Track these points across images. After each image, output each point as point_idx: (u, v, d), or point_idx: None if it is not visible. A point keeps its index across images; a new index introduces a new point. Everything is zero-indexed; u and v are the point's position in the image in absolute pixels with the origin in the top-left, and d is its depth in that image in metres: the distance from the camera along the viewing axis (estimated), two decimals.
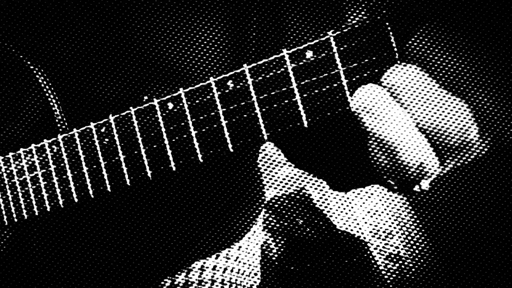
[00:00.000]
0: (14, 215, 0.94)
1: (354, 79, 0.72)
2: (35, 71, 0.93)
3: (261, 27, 0.87)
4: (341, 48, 0.71)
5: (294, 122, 0.74)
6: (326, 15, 0.78)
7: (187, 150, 0.80)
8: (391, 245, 1.26)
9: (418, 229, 1.24)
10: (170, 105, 0.80)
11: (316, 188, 1.30)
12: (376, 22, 0.68)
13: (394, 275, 1.25)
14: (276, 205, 1.29)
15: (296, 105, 0.74)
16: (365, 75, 0.71)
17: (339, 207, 1.27)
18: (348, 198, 1.25)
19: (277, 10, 0.86)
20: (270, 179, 1.15)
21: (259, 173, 1.09)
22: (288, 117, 0.74)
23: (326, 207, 1.28)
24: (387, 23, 0.68)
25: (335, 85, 0.72)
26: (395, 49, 0.69)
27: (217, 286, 1.03)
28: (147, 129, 0.82)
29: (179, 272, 0.99)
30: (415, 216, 1.25)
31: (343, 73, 0.72)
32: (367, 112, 0.71)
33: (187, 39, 0.91)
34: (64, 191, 0.89)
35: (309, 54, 0.73)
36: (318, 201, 1.28)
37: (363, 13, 0.73)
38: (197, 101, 0.79)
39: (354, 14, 0.73)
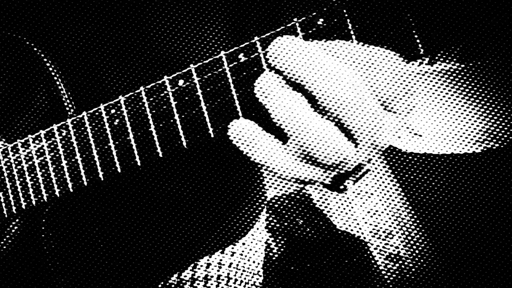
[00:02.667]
0: (23, 202, 0.93)
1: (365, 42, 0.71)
2: (42, 56, 0.92)
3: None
4: (353, 15, 0.71)
5: None
6: None
7: (198, 125, 0.80)
8: (391, 245, 1.26)
9: (418, 229, 1.25)
10: (181, 82, 0.80)
11: (316, 188, 1.30)
12: None
13: (394, 275, 1.25)
14: (276, 205, 1.29)
15: None
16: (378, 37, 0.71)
17: (339, 207, 1.27)
18: (348, 198, 1.25)
19: None
20: (271, 179, 1.15)
21: (259, 172, 1.09)
22: None
23: (326, 207, 1.28)
24: None
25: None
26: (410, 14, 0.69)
27: (222, 281, 1.03)
28: (158, 107, 0.82)
29: (185, 268, 0.99)
30: (415, 216, 1.25)
31: (355, 38, 0.71)
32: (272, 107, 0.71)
33: (194, 15, 0.91)
34: (73, 175, 0.88)
35: (320, 22, 0.72)
36: (318, 201, 1.28)
37: None
38: (208, 76, 0.78)
39: None
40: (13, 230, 0.96)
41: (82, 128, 0.88)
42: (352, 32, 0.71)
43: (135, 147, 0.83)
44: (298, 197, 1.29)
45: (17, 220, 0.96)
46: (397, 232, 1.26)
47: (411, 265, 1.24)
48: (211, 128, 0.79)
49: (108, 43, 0.94)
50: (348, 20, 0.71)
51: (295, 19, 0.74)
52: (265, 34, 0.75)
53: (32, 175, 0.93)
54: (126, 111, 0.84)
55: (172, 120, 0.81)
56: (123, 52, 0.93)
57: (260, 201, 1.09)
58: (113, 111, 0.85)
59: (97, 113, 0.86)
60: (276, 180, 1.17)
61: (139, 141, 0.83)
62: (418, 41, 0.71)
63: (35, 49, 0.93)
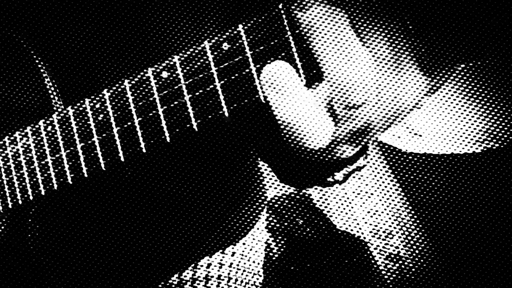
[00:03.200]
0: (9, 201, 0.93)
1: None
2: (28, 50, 0.92)
3: None
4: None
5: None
6: None
7: (182, 118, 0.78)
8: (391, 245, 1.26)
9: (418, 229, 1.25)
10: (165, 74, 0.78)
11: (316, 188, 1.30)
12: None
13: (394, 275, 1.25)
14: (276, 205, 1.29)
15: (295, 62, 0.72)
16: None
17: (339, 207, 1.27)
18: (348, 198, 1.25)
19: None
20: (270, 179, 1.15)
21: (260, 172, 1.09)
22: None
23: (326, 207, 1.28)
24: None
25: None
26: None
27: (222, 281, 1.03)
28: (141, 100, 0.80)
29: (186, 268, 0.99)
30: (415, 216, 1.25)
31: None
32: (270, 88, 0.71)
33: (178, 5, 0.90)
34: (59, 173, 0.87)
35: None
36: (318, 201, 1.29)
37: None
38: (192, 67, 0.76)
39: None
40: (0, 231, 0.96)
41: (68, 124, 0.86)
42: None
43: (119, 142, 0.82)
44: (298, 197, 1.29)
45: (3, 219, 0.96)
46: (397, 232, 1.26)
47: (411, 265, 1.24)
48: (195, 121, 0.77)
49: (94, 37, 0.93)
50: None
51: (280, 5, 0.71)
52: (250, 22, 0.73)
53: (19, 173, 0.92)
54: (110, 105, 0.83)
55: (155, 114, 0.79)
56: (110, 45, 0.93)
57: (260, 201, 1.09)
58: (97, 105, 0.84)
59: (81, 108, 0.85)
60: (276, 180, 1.17)
61: (123, 136, 0.82)
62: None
63: (20, 41, 0.93)
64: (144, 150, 0.79)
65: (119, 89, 0.81)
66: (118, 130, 0.81)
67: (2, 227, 0.96)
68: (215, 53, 0.75)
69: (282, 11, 0.71)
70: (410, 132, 1.19)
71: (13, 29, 0.94)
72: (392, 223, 1.26)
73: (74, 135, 0.85)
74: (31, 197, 0.90)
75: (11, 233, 0.94)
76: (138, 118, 0.80)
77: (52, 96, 0.91)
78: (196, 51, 0.76)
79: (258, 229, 1.09)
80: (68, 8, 0.93)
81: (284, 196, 1.29)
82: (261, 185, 1.11)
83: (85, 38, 0.93)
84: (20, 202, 0.91)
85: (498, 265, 1.18)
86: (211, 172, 1.00)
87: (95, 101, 0.83)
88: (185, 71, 0.76)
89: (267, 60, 0.71)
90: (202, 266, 1.03)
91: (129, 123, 0.81)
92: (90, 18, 0.92)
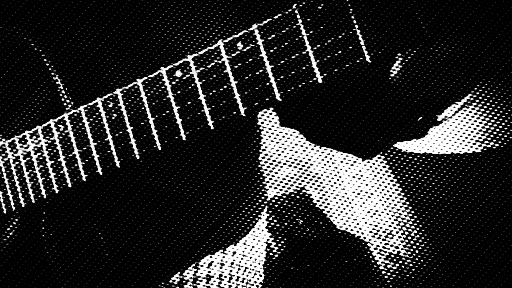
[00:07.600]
0: (22, 200, 0.93)
1: (367, 28, 0.68)
2: (38, 51, 0.93)
3: None
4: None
5: (308, 78, 0.72)
6: None
7: (197, 117, 0.79)
8: (391, 245, 1.26)
9: (418, 229, 1.25)
10: (178, 73, 0.79)
11: (316, 188, 1.30)
12: None
13: (394, 275, 1.25)
14: (277, 205, 1.29)
15: (309, 60, 0.72)
16: (382, 27, 0.69)
17: (339, 207, 1.27)
18: (348, 198, 1.25)
19: None
20: (271, 179, 1.15)
21: (260, 172, 1.09)
22: (301, 73, 0.72)
23: (326, 207, 1.28)
24: None
25: (347, 35, 0.69)
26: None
27: (224, 279, 1.03)
28: (155, 99, 0.81)
29: (187, 267, 0.99)
30: (415, 216, 1.25)
31: (356, 23, 0.69)
32: None
33: (190, 4, 0.90)
34: (72, 171, 0.88)
35: (320, 7, 0.70)
36: (318, 201, 1.29)
37: None
38: (206, 66, 0.77)
39: None
40: (13, 229, 0.96)
41: (80, 123, 0.87)
42: (353, 17, 0.69)
43: (134, 141, 0.83)
44: (298, 197, 1.29)
45: (17, 219, 0.96)
46: (397, 232, 1.26)
47: (411, 265, 1.24)
48: (211, 119, 0.78)
49: (104, 36, 0.94)
50: (349, 5, 0.69)
51: (294, 5, 0.72)
52: (264, 21, 0.74)
53: (30, 171, 0.92)
54: (123, 104, 0.83)
55: (170, 112, 0.80)
56: (120, 44, 0.93)
57: (260, 201, 1.10)
58: (110, 105, 0.85)
59: (94, 108, 0.86)
60: (276, 180, 1.17)
61: (137, 135, 0.82)
62: (422, 23, 0.67)
63: (31, 44, 0.93)
64: (159, 148, 0.80)
65: (132, 88, 0.81)
66: (133, 129, 0.82)
67: (15, 226, 0.96)
68: (230, 52, 0.76)
69: (297, 11, 0.71)
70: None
71: (22, 29, 0.95)
72: (392, 223, 1.26)
73: (87, 134, 0.86)
74: (44, 196, 0.90)
75: (24, 231, 0.95)
76: (153, 117, 0.80)
77: (63, 98, 0.92)
78: (211, 50, 0.76)
79: (258, 228, 1.10)
80: (81, 8, 0.94)
81: (284, 196, 1.30)
82: (261, 185, 1.11)
83: (95, 37, 0.93)
84: (33, 201, 0.91)
85: (498, 265, 1.18)
86: (211, 172, 1.00)
87: (107, 100, 0.84)
88: (199, 69, 0.77)
89: (281, 59, 0.72)
90: (203, 265, 1.03)
91: (143, 122, 0.81)
92: (104, 20, 0.93)
